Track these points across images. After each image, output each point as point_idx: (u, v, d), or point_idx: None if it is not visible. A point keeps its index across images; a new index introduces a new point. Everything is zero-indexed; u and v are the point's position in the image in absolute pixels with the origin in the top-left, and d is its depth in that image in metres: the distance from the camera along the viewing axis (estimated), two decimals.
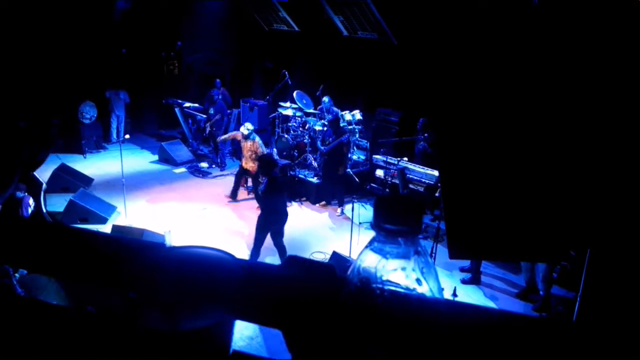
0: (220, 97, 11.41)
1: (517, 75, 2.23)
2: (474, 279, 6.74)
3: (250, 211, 9.01)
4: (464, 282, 6.71)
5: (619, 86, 2.07)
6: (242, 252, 7.12)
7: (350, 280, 0.56)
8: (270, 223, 6.63)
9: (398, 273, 0.54)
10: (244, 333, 5.36)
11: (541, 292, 6.20)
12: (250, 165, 9.00)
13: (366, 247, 0.56)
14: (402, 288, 0.54)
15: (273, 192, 6.48)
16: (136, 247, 0.68)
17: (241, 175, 9.32)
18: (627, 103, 2.07)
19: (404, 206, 0.51)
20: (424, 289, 0.54)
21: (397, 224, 0.52)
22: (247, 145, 8.97)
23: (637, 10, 1.84)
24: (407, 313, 0.52)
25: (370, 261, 0.54)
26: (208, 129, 11.09)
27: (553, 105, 2.18)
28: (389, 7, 9.45)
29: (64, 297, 5.34)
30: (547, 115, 2.19)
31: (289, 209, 7.28)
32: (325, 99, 10.01)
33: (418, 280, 0.53)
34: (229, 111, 11.75)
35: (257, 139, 8.99)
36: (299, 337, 0.60)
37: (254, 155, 8.85)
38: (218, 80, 12.15)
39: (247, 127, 8.94)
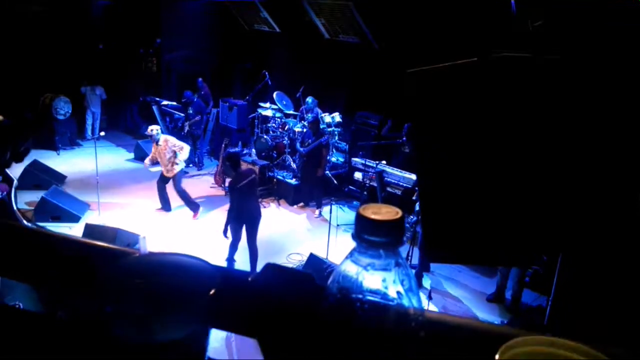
0: (195, 98, 11.22)
1: (495, 80, 2.26)
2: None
3: (226, 211, 8.93)
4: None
5: (594, 94, 2.12)
6: (219, 252, 7.05)
7: (330, 291, 0.55)
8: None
9: (379, 284, 0.53)
10: (219, 334, 5.31)
11: (508, 298, 6.35)
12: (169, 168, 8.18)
13: (346, 257, 0.55)
14: (382, 299, 0.53)
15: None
16: (106, 253, 0.66)
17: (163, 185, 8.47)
18: (600, 112, 2.12)
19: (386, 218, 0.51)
20: (404, 300, 0.54)
21: (378, 235, 0.51)
22: (161, 148, 8.15)
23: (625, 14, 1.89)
24: (387, 325, 0.52)
25: (351, 272, 0.54)
26: (187, 128, 10.96)
27: (529, 112, 2.22)
28: (371, 12, 9.50)
29: (35, 299, 5.19)
30: (522, 122, 2.23)
31: (266, 210, 7.28)
32: (309, 99, 10.01)
33: (398, 292, 0.53)
34: (208, 110, 11.64)
35: (164, 136, 8.28)
36: (275, 348, 0.59)
37: (173, 157, 8.10)
38: (200, 79, 11.99)
39: (153, 129, 8.21)
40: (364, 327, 0.50)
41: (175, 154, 8.11)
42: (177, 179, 8.27)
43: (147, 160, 8.50)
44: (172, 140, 8.25)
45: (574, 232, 2.24)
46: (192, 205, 8.43)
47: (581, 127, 2.15)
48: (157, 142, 8.13)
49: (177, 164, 8.14)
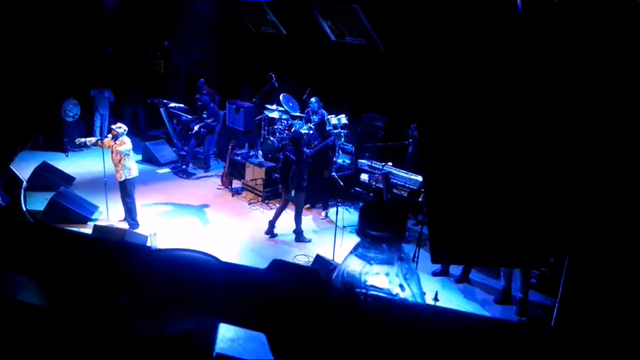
0: (211, 104, 11.19)
1: (501, 83, 2.27)
2: (443, 271, 6.98)
3: (232, 212, 8.97)
4: (434, 274, 6.88)
5: (598, 96, 2.12)
6: (226, 253, 7.09)
7: (334, 285, 0.56)
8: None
9: (382, 278, 0.55)
10: (225, 335, 5.33)
11: (518, 295, 6.30)
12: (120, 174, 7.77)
13: (351, 252, 0.56)
14: (385, 293, 0.55)
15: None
16: (121, 249, 0.68)
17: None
18: (607, 114, 2.12)
19: (389, 213, 0.53)
20: (407, 294, 0.55)
21: (381, 230, 0.53)
22: (116, 147, 7.78)
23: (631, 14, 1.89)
24: (390, 318, 0.53)
25: (355, 266, 0.55)
26: (195, 129, 10.94)
27: (534, 115, 2.22)
28: (377, 14, 9.51)
29: (43, 297, 5.24)
30: (528, 125, 2.23)
31: (272, 212, 7.34)
32: (313, 99, 10.02)
33: (401, 286, 0.55)
34: (217, 110, 11.64)
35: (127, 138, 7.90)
36: (282, 341, 0.61)
37: (122, 160, 7.74)
38: (202, 80, 11.99)
39: (121, 126, 7.86)
40: (368, 319, 0.52)
41: (123, 160, 7.73)
42: (127, 186, 7.85)
43: (91, 138, 8.02)
44: (128, 146, 7.85)
45: (580, 233, 2.24)
46: (133, 221, 8.01)
47: (588, 128, 2.16)
48: (116, 139, 7.72)
49: (125, 168, 7.74)
